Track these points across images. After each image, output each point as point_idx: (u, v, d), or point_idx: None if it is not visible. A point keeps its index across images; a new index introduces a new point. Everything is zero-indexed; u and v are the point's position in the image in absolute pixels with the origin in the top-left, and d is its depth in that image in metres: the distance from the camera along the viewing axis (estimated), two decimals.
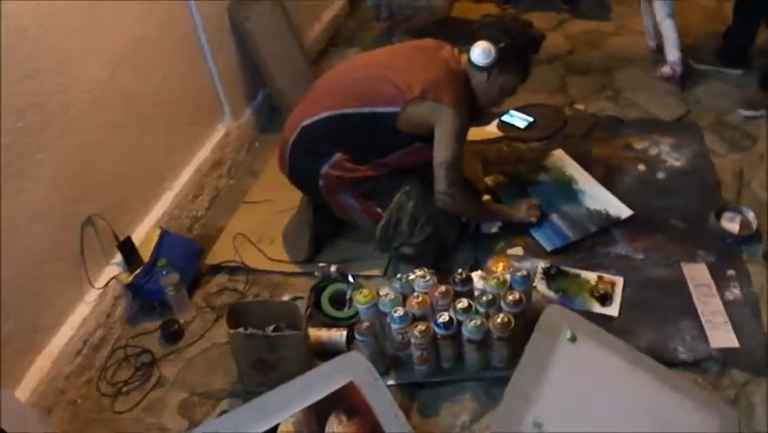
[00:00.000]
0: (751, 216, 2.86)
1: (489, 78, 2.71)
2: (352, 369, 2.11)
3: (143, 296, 2.75)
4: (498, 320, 2.20)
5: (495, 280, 2.34)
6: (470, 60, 2.68)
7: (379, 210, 2.78)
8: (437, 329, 2.24)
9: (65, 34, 2.43)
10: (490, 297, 2.29)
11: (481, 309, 2.28)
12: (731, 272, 2.67)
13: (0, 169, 2.16)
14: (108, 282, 2.64)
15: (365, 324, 2.29)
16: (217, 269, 2.95)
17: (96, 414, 2.45)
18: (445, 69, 2.67)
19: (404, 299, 2.35)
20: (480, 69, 2.68)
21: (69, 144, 2.46)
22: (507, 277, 2.38)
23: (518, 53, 2.71)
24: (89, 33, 2.55)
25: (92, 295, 2.59)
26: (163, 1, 2.95)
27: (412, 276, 2.43)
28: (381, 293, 2.38)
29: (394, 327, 2.28)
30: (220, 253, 3.00)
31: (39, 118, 2.32)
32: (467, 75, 2.73)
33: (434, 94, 2.59)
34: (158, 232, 2.84)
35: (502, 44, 2.64)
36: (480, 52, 2.64)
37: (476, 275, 2.55)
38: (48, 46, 2.36)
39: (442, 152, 2.62)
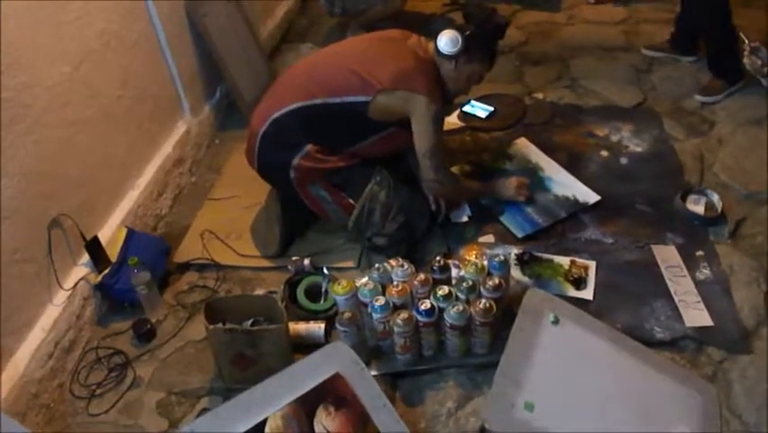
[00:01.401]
0: (715, 198, 2.92)
1: (456, 67, 2.72)
2: (338, 360, 2.08)
3: (113, 296, 2.69)
4: (480, 306, 2.22)
5: (473, 267, 2.35)
6: (437, 49, 2.69)
7: (351, 201, 2.77)
8: (419, 317, 2.24)
9: (35, 28, 2.40)
10: (470, 283, 2.30)
11: (462, 296, 2.29)
12: (700, 253, 2.73)
13: None
14: (77, 283, 2.58)
15: (347, 314, 2.27)
16: (186, 266, 2.90)
17: (71, 418, 2.39)
18: (414, 57, 2.68)
19: (383, 288, 2.34)
20: (448, 57, 2.69)
21: (38, 140, 2.41)
22: (485, 263, 2.39)
23: (484, 40, 2.73)
24: (58, 27, 2.51)
25: (61, 297, 2.53)
26: None
27: (389, 266, 2.42)
28: (359, 283, 2.37)
29: (375, 316, 2.27)
30: (188, 250, 2.95)
31: (11, 113, 2.27)
32: (435, 63, 2.74)
33: (405, 84, 2.59)
34: (124, 231, 2.78)
35: (468, 32, 2.65)
36: (447, 41, 2.65)
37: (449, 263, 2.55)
38: (19, 40, 2.31)
39: (423, 141, 2.65)
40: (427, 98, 2.60)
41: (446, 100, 2.83)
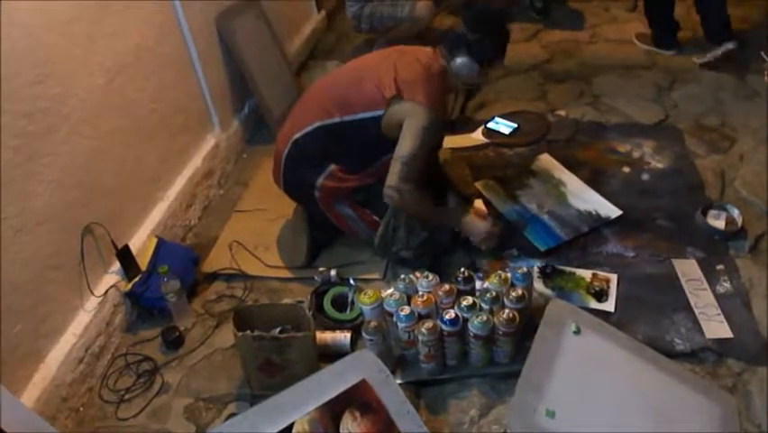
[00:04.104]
0: (736, 212, 2.94)
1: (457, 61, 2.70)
2: (364, 367, 2.13)
3: (143, 304, 2.74)
4: (504, 316, 2.25)
5: (497, 278, 2.39)
6: (449, 65, 2.71)
7: (375, 218, 2.81)
8: (444, 326, 2.27)
9: (72, 41, 2.48)
10: (494, 294, 2.34)
11: (485, 306, 2.33)
12: (720, 267, 2.75)
13: (5, 171, 2.18)
14: (108, 290, 2.64)
15: (373, 323, 2.32)
16: (214, 276, 2.96)
17: (100, 421, 2.44)
18: (423, 68, 2.68)
19: (408, 298, 2.38)
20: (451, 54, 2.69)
21: (73, 150, 2.49)
22: (509, 275, 2.43)
23: (490, 40, 2.68)
24: (94, 41, 2.59)
25: (92, 303, 2.59)
26: (158, 12, 3.01)
27: (414, 277, 2.46)
28: (385, 294, 2.41)
29: (401, 325, 2.31)
30: (216, 260, 3.01)
31: (46, 122, 2.35)
32: (446, 74, 2.74)
33: (408, 93, 2.60)
34: (154, 240, 2.85)
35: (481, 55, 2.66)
36: (462, 68, 2.68)
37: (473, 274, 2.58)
38: (57, 52, 2.39)
39: (403, 145, 2.59)
40: (425, 109, 2.58)
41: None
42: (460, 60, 2.67)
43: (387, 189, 2.61)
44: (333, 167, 2.75)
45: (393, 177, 2.60)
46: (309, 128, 2.73)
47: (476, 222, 2.81)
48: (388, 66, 2.70)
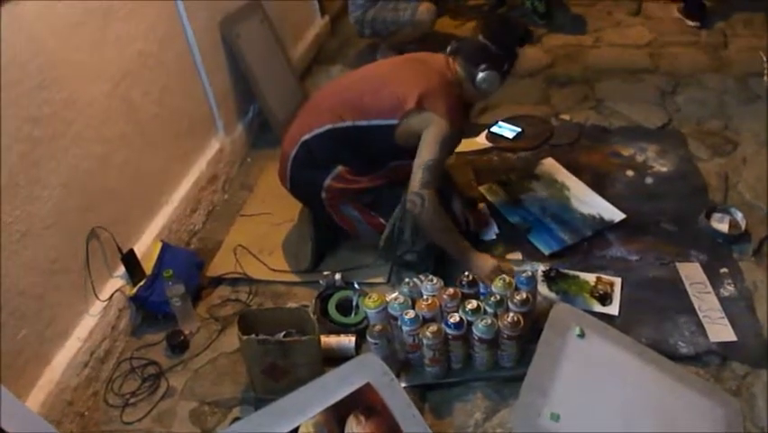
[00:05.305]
0: (739, 216, 2.94)
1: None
2: (369, 370, 2.13)
3: (148, 308, 2.75)
4: (508, 319, 2.25)
5: (501, 282, 2.39)
6: (469, 78, 2.73)
7: (381, 220, 2.81)
8: (449, 330, 2.27)
9: (77, 46, 2.49)
10: (498, 297, 2.34)
11: (490, 310, 2.33)
12: (724, 270, 2.75)
13: (11, 175, 2.20)
14: (113, 295, 2.64)
15: (377, 327, 2.32)
16: (218, 281, 2.96)
17: (105, 425, 2.44)
18: (440, 79, 2.70)
19: (412, 302, 2.38)
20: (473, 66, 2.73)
21: (78, 154, 2.49)
22: (513, 278, 2.43)
23: (505, 51, 2.75)
24: (98, 46, 2.60)
25: (97, 307, 2.59)
26: (162, 17, 3.02)
27: (419, 281, 2.47)
28: (390, 297, 2.41)
29: (405, 329, 2.31)
30: (220, 265, 3.02)
31: (51, 128, 2.35)
32: (461, 83, 2.76)
33: (429, 104, 2.61)
34: (159, 245, 2.85)
35: (504, 69, 2.73)
36: (487, 80, 2.71)
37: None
38: (61, 57, 2.40)
39: (423, 153, 2.60)
40: (445, 120, 2.60)
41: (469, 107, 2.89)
42: (484, 73, 2.69)
43: (410, 195, 2.61)
44: (340, 168, 2.75)
45: (415, 184, 2.60)
46: (319, 130, 2.74)
47: (485, 262, 2.69)
48: (408, 76, 2.72)
